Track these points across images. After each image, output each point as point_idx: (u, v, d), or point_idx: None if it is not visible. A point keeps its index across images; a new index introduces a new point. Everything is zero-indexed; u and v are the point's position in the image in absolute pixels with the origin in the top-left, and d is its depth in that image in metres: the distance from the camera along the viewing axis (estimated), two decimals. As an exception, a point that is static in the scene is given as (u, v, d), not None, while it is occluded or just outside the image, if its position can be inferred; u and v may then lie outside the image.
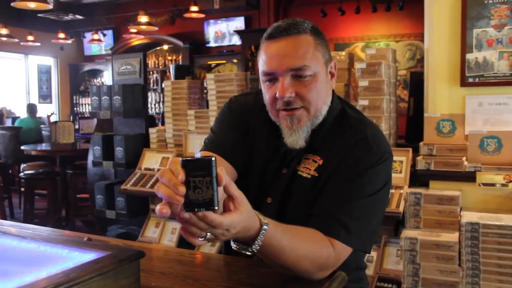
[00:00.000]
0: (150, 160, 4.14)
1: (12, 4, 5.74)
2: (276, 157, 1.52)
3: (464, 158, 3.01)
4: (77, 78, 11.92)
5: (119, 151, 4.17)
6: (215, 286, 1.23)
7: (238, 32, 9.32)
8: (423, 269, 2.73)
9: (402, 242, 2.77)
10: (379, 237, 3.09)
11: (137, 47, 10.63)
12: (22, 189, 6.66)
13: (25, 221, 5.76)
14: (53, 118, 10.03)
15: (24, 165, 7.03)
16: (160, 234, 3.88)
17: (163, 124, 5.01)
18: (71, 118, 11.36)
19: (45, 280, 0.92)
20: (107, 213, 4.21)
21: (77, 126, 8.85)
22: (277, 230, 1.14)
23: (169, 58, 10.87)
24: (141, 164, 4.13)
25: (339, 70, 3.44)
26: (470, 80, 3.11)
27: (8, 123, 8.96)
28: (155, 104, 10.77)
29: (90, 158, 4.60)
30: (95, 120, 6.62)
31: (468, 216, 2.75)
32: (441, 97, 3.21)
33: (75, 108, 11.90)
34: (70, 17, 10.08)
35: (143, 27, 7.88)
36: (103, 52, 11.53)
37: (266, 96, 1.46)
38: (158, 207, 0.94)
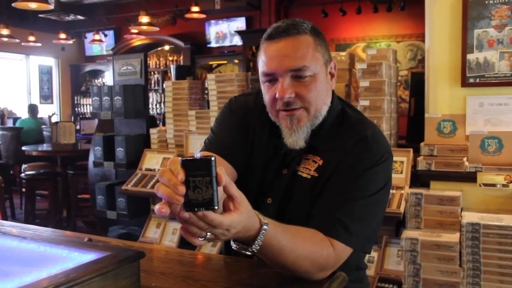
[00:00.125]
0: (151, 160, 4.14)
1: (13, 4, 5.75)
2: (276, 158, 1.52)
3: (465, 159, 3.01)
4: (78, 78, 11.93)
5: (120, 151, 4.17)
6: (215, 287, 1.23)
7: (239, 32, 9.33)
8: (424, 270, 2.73)
9: (402, 243, 2.77)
10: (380, 237, 3.09)
11: (138, 47, 10.65)
12: (23, 189, 6.67)
13: (26, 222, 5.76)
14: (54, 119, 10.04)
15: (25, 165, 7.04)
16: (161, 234, 3.88)
17: (164, 124, 5.01)
18: (72, 118, 11.37)
19: (45, 280, 0.92)
20: (108, 213, 4.21)
21: (78, 127, 8.87)
22: (277, 230, 1.15)
23: (170, 58, 10.88)
24: (142, 165, 4.14)
25: (340, 71, 3.44)
26: (471, 80, 3.11)
27: (9, 123, 8.97)
28: (156, 105, 10.78)
29: (91, 158, 4.60)
30: (96, 120, 6.62)
31: (468, 217, 2.75)
32: (442, 98, 3.21)
33: (76, 109, 11.91)
34: (71, 17, 10.08)
35: (144, 27, 7.88)
36: (104, 53, 11.54)
37: (266, 97, 1.46)
38: (157, 207, 0.94)
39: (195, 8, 8.04)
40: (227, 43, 9.91)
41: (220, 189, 0.97)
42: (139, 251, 1.08)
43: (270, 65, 1.39)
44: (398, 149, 3.28)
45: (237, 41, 9.57)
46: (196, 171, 0.93)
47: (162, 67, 10.97)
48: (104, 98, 4.26)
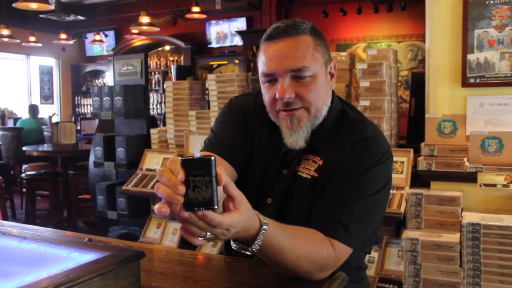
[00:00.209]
0: (152, 160, 4.14)
1: (13, 5, 5.76)
2: (276, 158, 1.52)
3: (465, 159, 3.01)
4: (79, 78, 11.93)
5: (120, 151, 4.17)
6: (215, 287, 1.23)
7: (239, 32, 9.34)
8: (424, 270, 2.73)
9: (403, 243, 2.77)
10: (380, 237, 3.09)
11: (138, 47, 10.65)
12: (24, 189, 6.68)
13: (26, 222, 5.77)
14: (55, 119, 10.04)
15: (26, 166, 7.04)
16: (162, 234, 3.88)
17: (164, 124, 5.01)
18: (73, 118, 11.38)
19: (45, 280, 0.92)
20: (109, 213, 4.22)
21: (78, 127, 8.85)
22: (277, 230, 1.15)
23: (171, 58, 10.89)
24: (142, 165, 4.14)
25: (340, 71, 3.44)
26: (472, 80, 3.11)
27: (10, 124, 8.97)
28: (156, 105, 10.78)
29: (92, 158, 4.60)
30: (96, 120, 6.63)
31: (469, 217, 2.74)
32: (442, 98, 3.21)
33: (76, 109, 11.92)
34: (71, 17, 10.09)
35: (145, 27, 7.89)
36: (105, 53, 11.54)
37: (266, 97, 1.46)
38: (157, 206, 0.94)
39: (195, 9, 8.04)
40: (227, 43, 9.91)
41: (220, 189, 0.97)
42: (139, 251, 1.08)
43: (270, 66, 1.39)
44: (398, 149, 3.28)
45: (238, 41, 9.57)
46: (196, 171, 0.93)
47: (162, 67, 10.98)
48: (104, 99, 4.26)
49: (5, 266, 1.04)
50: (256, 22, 9.47)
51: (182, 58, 10.46)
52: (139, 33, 9.52)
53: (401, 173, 3.13)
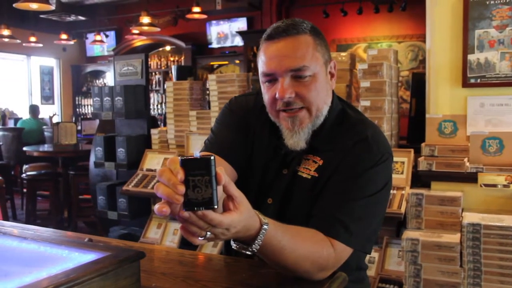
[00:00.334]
0: (152, 161, 4.14)
1: (14, 5, 5.76)
2: (277, 158, 1.52)
3: (465, 159, 3.01)
4: (80, 79, 11.94)
5: (121, 152, 4.18)
6: (216, 287, 1.23)
7: (240, 33, 9.34)
8: (425, 270, 2.73)
9: (403, 243, 2.77)
10: (381, 238, 3.09)
11: (139, 48, 10.66)
12: (24, 190, 6.68)
13: (27, 222, 5.77)
14: (55, 119, 10.05)
15: (26, 166, 7.04)
16: (162, 235, 3.88)
17: (165, 125, 5.01)
18: (73, 119, 11.38)
19: (45, 280, 0.92)
20: (109, 214, 4.22)
21: (79, 127, 8.85)
22: (277, 230, 1.15)
23: (171, 59, 10.90)
24: (143, 165, 4.14)
25: (340, 71, 3.44)
26: (472, 81, 3.11)
27: (11, 124, 8.98)
28: (157, 105, 10.79)
29: (92, 159, 4.61)
30: (97, 121, 6.63)
31: (469, 217, 2.74)
32: (443, 98, 3.21)
33: (77, 109, 11.93)
34: (72, 18, 10.09)
35: (145, 28, 7.89)
36: (106, 53, 11.55)
37: (266, 97, 1.46)
38: (157, 206, 0.93)
39: (196, 9, 8.05)
40: (228, 43, 9.92)
41: (220, 188, 0.97)
42: (139, 251, 1.08)
43: (270, 65, 1.39)
44: (399, 149, 3.28)
45: (238, 41, 9.58)
46: (196, 171, 0.93)
47: (163, 68, 10.99)
48: (105, 99, 4.27)
49: (5, 266, 1.04)
50: (257, 22, 9.48)
51: (182, 58, 10.47)
52: (140, 33, 9.53)
53: (402, 173, 3.13)
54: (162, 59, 11.04)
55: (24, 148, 6.53)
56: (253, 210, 1.08)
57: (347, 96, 3.48)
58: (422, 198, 2.90)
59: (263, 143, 1.55)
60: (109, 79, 11.60)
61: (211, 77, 4.02)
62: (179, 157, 0.94)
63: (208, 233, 1.00)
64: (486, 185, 2.86)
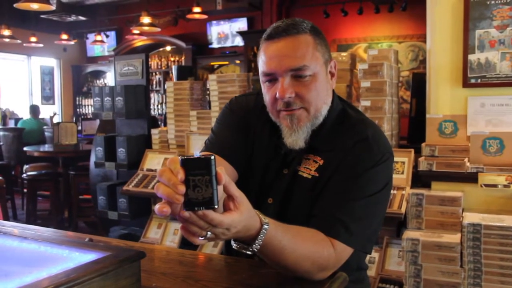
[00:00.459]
0: (152, 161, 4.14)
1: (15, 5, 5.77)
2: (277, 158, 1.52)
3: (466, 159, 3.01)
4: (80, 79, 11.94)
5: (121, 152, 4.18)
6: (216, 287, 1.23)
7: (240, 33, 9.34)
8: (425, 270, 2.73)
9: (404, 243, 2.77)
10: (381, 238, 3.08)
11: (139, 48, 10.66)
12: (25, 190, 6.68)
13: (27, 222, 5.77)
14: (56, 119, 10.05)
15: (27, 166, 7.04)
16: (162, 235, 3.88)
17: (165, 125, 5.01)
18: (74, 119, 11.39)
19: (45, 280, 0.92)
20: (109, 214, 4.22)
21: (79, 127, 8.85)
22: (278, 230, 1.14)
23: (172, 59, 10.90)
24: (143, 165, 4.14)
25: (341, 71, 3.44)
26: (472, 81, 3.11)
27: (11, 124, 8.98)
28: (157, 105, 10.79)
29: (93, 159, 4.61)
30: (97, 121, 6.64)
31: (470, 217, 2.74)
32: (443, 98, 3.21)
33: (77, 109, 11.93)
34: (73, 18, 10.09)
35: (146, 28, 7.89)
36: (106, 53, 11.55)
37: (266, 97, 1.46)
38: (157, 206, 0.93)
39: (196, 9, 8.05)
40: (228, 43, 9.92)
41: (220, 188, 0.96)
42: (140, 251, 1.08)
43: (270, 65, 1.39)
44: (399, 149, 3.28)
45: (239, 41, 9.58)
46: (196, 170, 0.93)
47: (163, 68, 10.99)
48: (105, 99, 4.27)
49: (5, 266, 1.04)
50: (257, 22, 9.48)
51: (183, 58, 10.47)
52: (140, 34, 9.53)
53: (402, 173, 3.13)
54: (163, 59, 11.04)
55: (25, 148, 6.54)
56: (254, 210, 1.08)
57: (348, 96, 3.48)
58: (423, 198, 2.90)
59: (264, 143, 1.55)
60: (109, 79, 11.60)
61: (212, 77, 4.02)
62: (179, 157, 0.94)
63: (209, 233, 1.00)
64: (486, 185, 2.86)
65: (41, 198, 7.18)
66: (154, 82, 11.02)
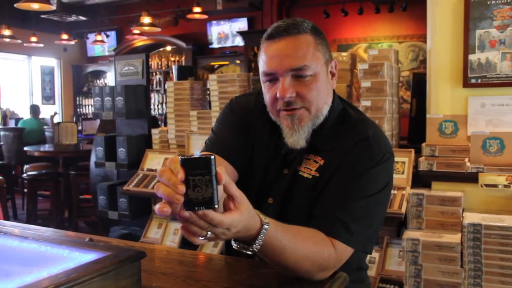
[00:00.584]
0: (153, 161, 4.14)
1: (15, 5, 5.77)
2: (277, 157, 1.51)
3: (466, 159, 3.01)
4: (80, 79, 11.94)
5: (121, 152, 4.18)
6: (216, 287, 1.23)
7: (241, 33, 9.34)
8: (425, 270, 2.73)
9: (404, 243, 2.77)
10: (381, 238, 3.08)
11: (140, 48, 10.66)
12: (25, 190, 6.68)
13: (28, 222, 5.77)
14: (56, 119, 10.05)
15: (27, 166, 7.05)
16: (163, 235, 3.88)
17: (165, 125, 5.01)
18: (74, 119, 11.39)
19: (45, 280, 0.92)
20: (110, 214, 4.22)
21: (80, 127, 8.85)
22: (278, 230, 1.14)
23: (172, 59, 10.90)
24: (143, 165, 4.14)
25: (341, 71, 3.44)
26: (473, 81, 3.11)
27: (11, 124, 8.98)
28: (158, 105, 10.79)
29: (93, 159, 4.61)
30: (98, 121, 6.64)
31: (470, 217, 2.74)
32: (443, 98, 3.21)
33: (78, 109, 11.93)
34: (73, 18, 10.09)
35: (146, 28, 7.89)
36: (106, 53, 11.55)
37: (267, 97, 1.46)
38: (157, 206, 0.93)
39: (197, 9, 8.04)
40: (229, 43, 9.91)
41: (220, 188, 0.96)
42: (140, 251, 1.08)
43: (271, 65, 1.39)
44: (399, 149, 3.28)
45: (239, 41, 9.58)
46: (196, 170, 0.93)
47: (164, 68, 10.99)
48: (106, 99, 4.27)
49: (6, 265, 1.04)
50: (257, 22, 9.47)
51: (183, 58, 10.47)
52: (141, 34, 9.52)
53: (402, 173, 3.13)
54: (163, 59, 11.04)
55: (25, 148, 6.54)
56: (254, 210, 1.08)
57: (348, 96, 3.48)
58: (423, 198, 2.90)
59: (264, 143, 1.55)
60: (109, 79, 11.60)
61: (212, 77, 4.02)
62: (180, 157, 0.94)
63: (209, 233, 1.00)
64: (486, 185, 2.86)
65: (41, 198, 7.19)
66: (155, 82, 11.02)
